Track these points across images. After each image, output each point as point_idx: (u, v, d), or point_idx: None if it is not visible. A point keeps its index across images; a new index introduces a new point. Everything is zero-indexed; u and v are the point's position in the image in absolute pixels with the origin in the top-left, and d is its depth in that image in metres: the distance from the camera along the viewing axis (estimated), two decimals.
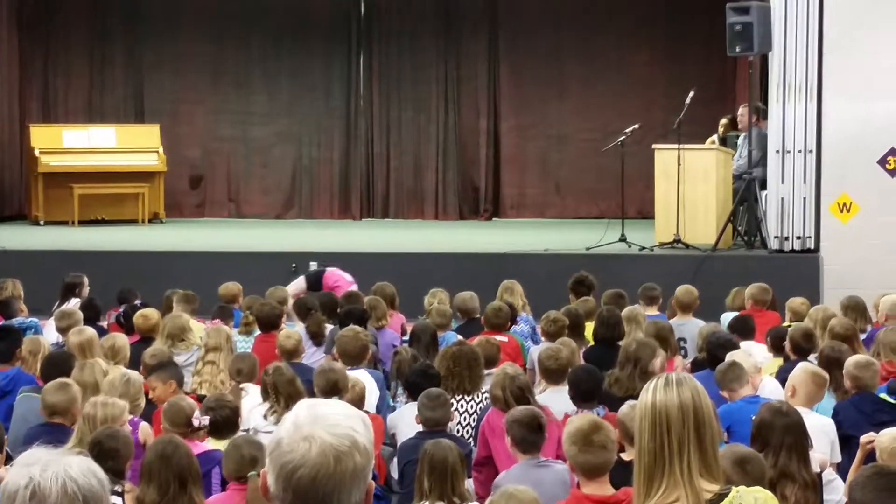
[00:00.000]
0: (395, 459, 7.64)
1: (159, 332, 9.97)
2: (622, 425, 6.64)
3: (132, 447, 6.42)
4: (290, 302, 11.78)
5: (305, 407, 2.91)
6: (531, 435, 6.46)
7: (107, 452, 6.18)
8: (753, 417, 6.66)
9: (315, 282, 13.26)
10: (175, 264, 14.94)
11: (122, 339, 9.30)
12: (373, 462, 2.92)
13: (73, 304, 11.81)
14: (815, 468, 6.47)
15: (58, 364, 8.47)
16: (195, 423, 6.91)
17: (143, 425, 7.34)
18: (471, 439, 8.01)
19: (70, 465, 2.89)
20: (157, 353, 8.88)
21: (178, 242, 16.91)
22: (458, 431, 8.01)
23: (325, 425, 2.85)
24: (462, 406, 8.28)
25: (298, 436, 2.83)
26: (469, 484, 6.53)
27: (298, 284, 13.27)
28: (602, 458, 5.85)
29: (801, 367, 7.84)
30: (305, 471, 2.81)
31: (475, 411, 8.30)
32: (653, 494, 3.86)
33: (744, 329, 10.18)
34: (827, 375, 7.78)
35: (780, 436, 6.35)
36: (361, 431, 2.88)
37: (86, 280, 12.54)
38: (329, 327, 10.49)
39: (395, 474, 7.69)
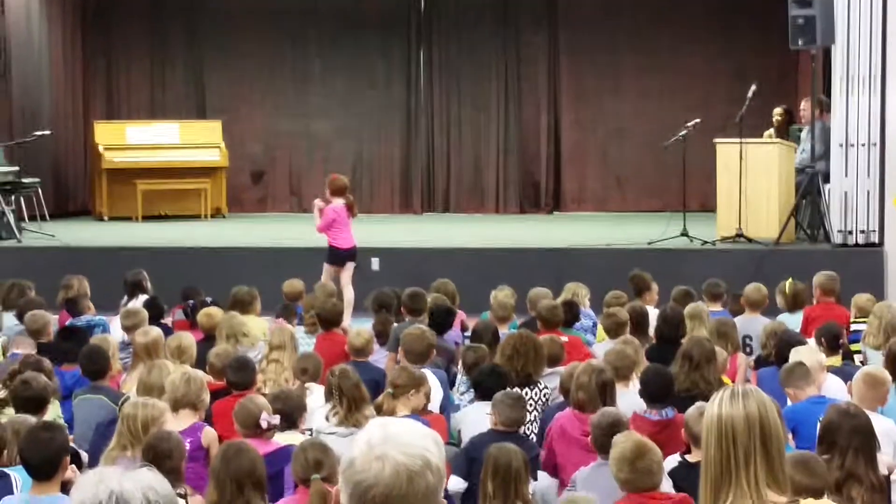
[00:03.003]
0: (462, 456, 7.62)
1: (218, 333, 10.04)
2: (688, 427, 6.67)
3: (184, 449, 6.48)
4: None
5: (378, 426, 2.95)
6: (611, 441, 6.49)
7: (161, 454, 6.25)
8: (821, 419, 6.64)
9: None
10: (238, 260, 15.06)
11: (188, 339, 9.36)
12: (444, 481, 2.96)
13: (141, 300, 11.91)
14: (883, 471, 6.44)
15: (94, 359, 8.66)
16: (263, 424, 6.97)
17: (207, 430, 7.37)
18: (533, 435, 8.05)
19: (145, 476, 2.98)
20: (222, 353, 8.94)
21: (241, 238, 17.05)
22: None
23: (398, 444, 2.88)
24: (525, 395, 8.30)
25: (371, 455, 2.88)
26: (532, 486, 6.54)
27: None
28: (648, 483, 6.01)
29: (862, 370, 7.81)
30: (378, 490, 2.85)
31: (536, 404, 8.33)
32: None
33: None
34: (884, 375, 7.71)
35: (847, 437, 6.33)
36: (434, 451, 2.92)
37: (146, 275, 12.61)
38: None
39: (456, 472, 7.69)
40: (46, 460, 6.04)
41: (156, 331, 9.35)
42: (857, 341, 10.19)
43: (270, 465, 6.39)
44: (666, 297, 11.55)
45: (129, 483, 2.95)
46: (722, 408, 3.89)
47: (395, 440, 2.89)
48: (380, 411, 7.49)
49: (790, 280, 11.54)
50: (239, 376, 8.25)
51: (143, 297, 11.99)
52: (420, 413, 7.88)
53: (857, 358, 9.86)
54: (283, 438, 7.13)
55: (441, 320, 10.35)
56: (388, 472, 2.85)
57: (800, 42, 14.61)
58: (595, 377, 7.58)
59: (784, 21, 14.77)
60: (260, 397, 7.27)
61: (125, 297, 12.30)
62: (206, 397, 7.71)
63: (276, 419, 7.10)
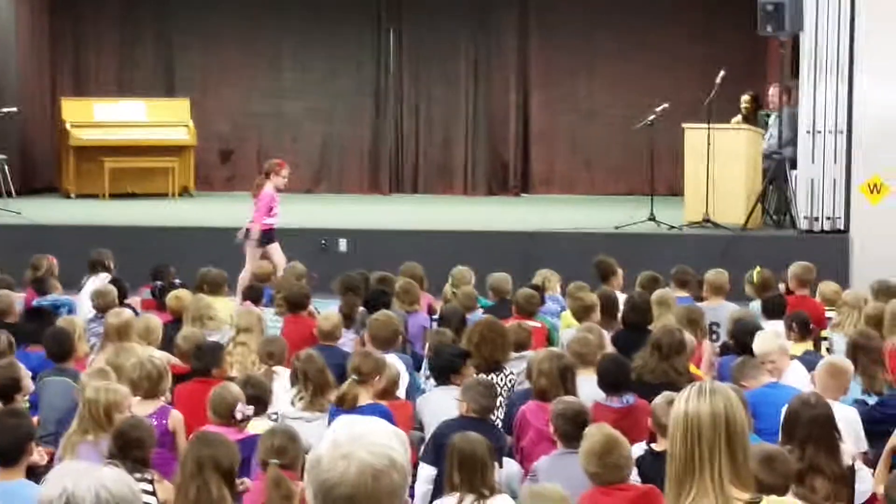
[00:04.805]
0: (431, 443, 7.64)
1: (185, 315, 10.03)
2: (655, 417, 6.72)
3: (154, 436, 6.49)
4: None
5: (344, 425, 2.97)
6: (575, 430, 6.54)
7: (131, 442, 6.28)
8: (783, 406, 6.69)
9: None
10: (205, 239, 15.01)
11: (154, 321, 9.37)
12: (409, 479, 2.98)
13: (103, 278, 11.87)
14: (847, 461, 6.48)
15: (60, 341, 8.69)
16: (238, 416, 6.97)
17: (174, 413, 7.39)
18: (499, 420, 8.08)
19: (103, 475, 3.01)
20: (189, 336, 8.93)
21: (209, 217, 17.01)
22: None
23: (364, 444, 2.90)
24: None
25: (337, 454, 2.89)
26: (498, 473, 6.57)
27: None
28: (616, 477, 6.10)
29: (824, 359, 7.88)
30: (344, 489, 2.87)
31: (502, 389, 8.36)
32: (683, 500, 3.91)
33: (776, 310, 10.20)
34: (845, 365, 7.79)
35: (806, 428, 6.39)
36: (399, 449, 2.94)
37: (111, 255, 12.55)
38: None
39: (425, 459, 7.71)
40: (12, 446, 6.04)
41: (127, 312, 9.35)
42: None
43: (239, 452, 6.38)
44: (631, 282, 11.58)
45: (83, 482, 2.97)
46: (689, 404, 3.92)
47: (360, 439, 2.91)
48: (343, 398, 7.48)
49: (758, 268, 11.58)
50: (202, 362, 8.24)
51: (104, 276, 11.93)
52: (386, 398, 7.91)
53: (824, 345, 9.93)
54: (251, 426, 7.13)
55: (375, 302, 10.33)
56: (353, 471, 2.87)
57: (768, 28, 14.67)
58: (556, 363, 7.63)
59: (754, 7, 14.81)
60: (234, 386, 7.24)
61: (86, 276, 12.23)
62: (169, 381, 7.72)
63: (251, 410, 7.10)
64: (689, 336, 8.91)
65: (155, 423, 6.92)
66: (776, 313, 10.12)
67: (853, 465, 6.62)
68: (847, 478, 6.46)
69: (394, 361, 8.50)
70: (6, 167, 18.36)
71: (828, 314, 10.56)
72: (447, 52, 21.37)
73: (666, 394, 6.72)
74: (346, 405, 7.40)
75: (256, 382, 7.61)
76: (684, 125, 15.62)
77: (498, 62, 21.41)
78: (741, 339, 8.95)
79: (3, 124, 18.23)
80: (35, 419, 7.46)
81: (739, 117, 16.67)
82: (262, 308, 10.94)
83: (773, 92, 16.18)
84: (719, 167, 14.98)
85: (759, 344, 8.37)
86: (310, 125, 21.51)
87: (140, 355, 8.00)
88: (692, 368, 8.61)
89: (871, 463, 7.10)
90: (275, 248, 13.40)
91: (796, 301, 10.79)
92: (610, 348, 9.15)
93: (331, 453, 2.90)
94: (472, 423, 7.05)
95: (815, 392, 7.11)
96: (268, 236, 13.41)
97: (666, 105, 15.85)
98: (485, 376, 8.09)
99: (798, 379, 8.21)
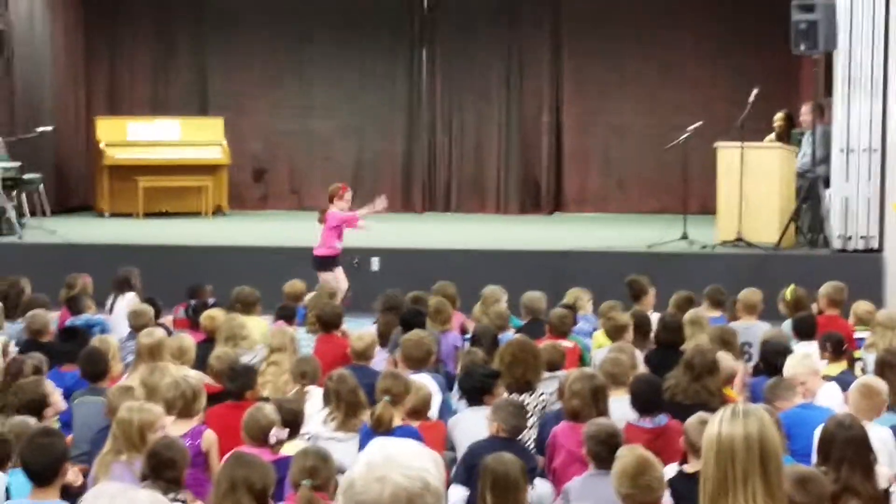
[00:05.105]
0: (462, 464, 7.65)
1: (218, 335, 10.06)
2: (688, 437, 6.69)
3: (188, 456, 6.49)
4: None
5: (378, 447, 2.97)
6: (608, 452, 6.53)
7: (164, 463, 6.28)
8: (818, 427, 6.66)
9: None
10: (239, 259, 15.07)
11: (188, 341, 9.40)
12: (443, 501, 2.98)
13: (130, 297, 11.93)
14: (883, 483, 6.44)
15: (94, 361, 8.74)
16: (272, 440, 6.97)
17: (207, 433, 7.38)
18: (532, 441, 8.07)
19: (137, 497, 3.01)
20: (222, 356, 8.95)
21: (242, 236, 17.06)
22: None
23: (398, 466, 2.90)
24: (524, 402, 8.32)
25: (371, 477, 2.89)
26: (531, 495, 6.56)
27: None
28: (648, 498, 6.07)
29: (858, 380, 7.85)
30: None
31: (535, 410, 8.35)
32: None
33: (807, 330, 10.16)
34: (879, 386, 7.74)
35: (841, 449, 6.34)
36: (433, 472, 2.94)
37: (137, 273, 12.59)
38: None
39: (456, 480, 7.71)
40: (47, 465, 6.05)
41: (160, 332, 9.36)
42: (858, 348, 10.22)
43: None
44: (664, 301, 11.55)
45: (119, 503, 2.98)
46: (722, 426, 3.93)
47: (394, 461, 2.91)
48: (380, 421, 7.45)
49: (792, 286, 11.52)
50: (235, 384, 8.24)
51: (131, 295, 11.99)
52: (418, 419, 7.91)
53: (858, 365, 9.88)
54: (286, 447, 7.13)
55: (411, 322, 10.34)
56: (387, 493, 2.87)
57: (802, 47, 14.61)
58: (588, 383, 7.62)
59: (787, 24, 14.77)
60: (268, 408, 7.21)
61: (111, 295, 12.30)
62: (203, 401, 7.73)
63: (285, 434, 7.10)
64: (730, 358, 8.91)
65: (188, 443, 6.93)
66: (807, 334, 10.09)
67: (889, 487, 6.57)
68: (882, 500, 6.42)
69: (426, 382, 8.50)
70: (41, 186, 18.50)
71: (861, 334, 10.51)
72: (479, 70, 21.40)
73: (699, 414, 6.69)
74: (381, 428, 7.39)
75: (289, 406, 7.61)
76: (717, 144, 15.56)
77: (530, 80, 21.42)
78: (771, 360, 8.94)
79: (39, 143, 18.37)
80: (69, 438, 7.51)
81: (773, 135, 16.61)
82: (295, 327, 10.97)
83: (806, 110, 16.10)
84: (752, 186, 14.93)
85: (789, 367, 8.35)
86: (342, 143, 21.56)
87: (174, 374, 8.02)
88: (728, 391, 8.58)
89: None
90: (338, 272, 13.49)
91: (826, 321, 10.72)
92: (642, 368, 9.13)
93: (365, 476, 2.90)
94: (502, 443, 7.06)
95: (850, 413, 7.07)
96: (333, 261, 13.48)
97: (699, 123, 15.83)
98: (515, 396, 8.08)
99: (831, 399, 8.17)
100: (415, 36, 21.50)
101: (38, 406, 7.62)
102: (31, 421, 7.04)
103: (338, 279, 13.41)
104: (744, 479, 3.87)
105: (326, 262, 13.49)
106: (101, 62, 21.56)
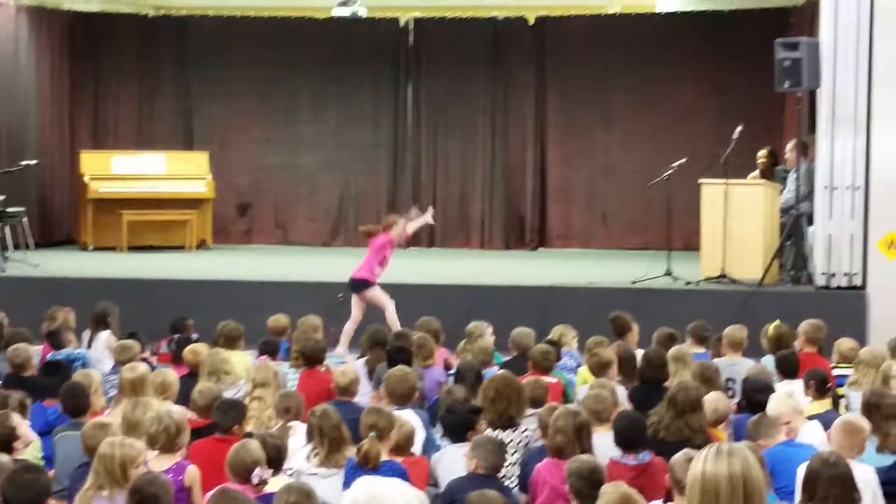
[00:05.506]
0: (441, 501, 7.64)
1: (201, 370, 10.03)
2: (673, 473, 6.67)
3: (172, 492, 6.43)
4: None
5: (365, 486, 2.97)
6: (590, 489, 6.51)
7: (148, 498, 6.22)
8: (801, 464, 6.65)
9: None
10: (223, 293, 15.03)
11: (171, 376, 9.36)
12: None
13: (104, 336, 11.91)
14: None
15: (75, 396, 8.69)
16: (254, 479, 6.92)
17: (190, 469, 7.32)
18: (515, 477, 8.05)
19: None
20: (205, 391, 8.91)
21: (226, 270, 17.04)
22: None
23: None
24: (507, 438, 8.31)
25: None
26: None
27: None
28: None
29: (841, 417, 7.85)
30: None
31: (517, 446, 8.34)
32: None
33: (790, 369, 10.16)
34: (861, 424, 7.73)
35: (826, 487, 6.32)
36: None
37: (116, 310, 12.55)
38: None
39: None
40: (28, 501, 6.02)
41: (143, 367, 9.33)
42: (840, 386, 10.22)
43: None
44: (648, 337, 11.55)
45: None
46: (706, 464, 3.92)
47: (380, 501, 2.90)
48: (367, 457, 7.41)
49: (777, 322, 11.54)
50: (226, 417, 8.19)
51: (105, 333, 11.96)
52: (401, 455, 7.88)
53: (842, 403, 9.88)
54: (270, 484, 7.09)
55: (396, 357, 10.32)
56: None
57: (786, 84, 14.68)
58: (572, 420, 7.60)
59: (771, 62, 14.83)
60: (254, 445, 7.13)
61: (87, 330, 12.27)
62: (187, 436, 7.68)
63: (269, 473, 7.05)
64: (724, 399, 8.93)
65: (171, 478, 6.88)
66: (789, 372, 10.09)
67: None
68: None
69: (410, 417, 8.47)
70: (25, 219, 18.47)
71: (840, 371, 10.52)
72: (464, 106, 21.49)
73: (685, 451, 6.66)
74: (369, 464, 7.37)
75: (273, 442, 7.56)
76: (701, 180, 15.61)
77: (515, 117, 21.49)
78: (753, 398, 8.93)
79: (23, 176, 18.35)
80: (51, 473, 7.45)
81: (757, 172, 16.67)
82: (279, 362, 10.94)
83: (790, 147, 16.17)
84: (736, 222, 14.97)
85: (773, 406, 8.33)
86: (326, 178, 21.60)
87: (157, 409, 7.97)
88: (716, 431, 8.57)
89: None
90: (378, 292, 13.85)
91: (805, 358, 10.71)
92: (626, 404, 9.13)
93: None
94: (480, 480, 7.04)
95: (835, 451, 7.06)
96: (368, 285, 13.83)
97: (683, 160, 15.88)
98: (499, 432, 8.06)
99: (815, 437, 8.17)
100: (400, 72, 21.58)
101: (5, 440, 7.56)
102: (4, 457, 6.96)
103: (380, 298, 13.82)
104: None
105: (362, 285, 13.78)
106: (86, 97, 21.58)
